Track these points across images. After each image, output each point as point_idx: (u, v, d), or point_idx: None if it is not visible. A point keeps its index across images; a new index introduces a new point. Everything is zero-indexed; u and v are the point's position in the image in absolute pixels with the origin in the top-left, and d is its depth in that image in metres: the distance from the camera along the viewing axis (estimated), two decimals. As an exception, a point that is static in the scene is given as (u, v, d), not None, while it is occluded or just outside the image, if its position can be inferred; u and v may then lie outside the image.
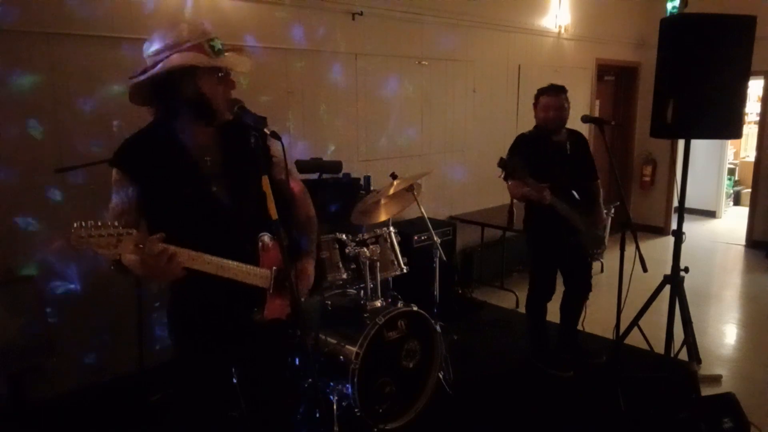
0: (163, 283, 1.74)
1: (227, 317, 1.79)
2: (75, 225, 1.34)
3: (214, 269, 1.63)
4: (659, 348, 3.50)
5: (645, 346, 3.59)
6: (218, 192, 1.74)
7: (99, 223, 1.36)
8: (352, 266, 3.00)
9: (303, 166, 3.58)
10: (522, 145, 3.35)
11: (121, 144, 1.70)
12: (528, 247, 3.58)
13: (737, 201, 8.91)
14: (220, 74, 1.66)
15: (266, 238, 1.78)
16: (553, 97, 3.28)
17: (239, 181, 1.77)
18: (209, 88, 1.64)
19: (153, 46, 1.61)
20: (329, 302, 3.06)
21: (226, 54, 1.69)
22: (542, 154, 3.28)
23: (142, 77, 1.61)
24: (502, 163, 3.05)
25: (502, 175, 3.16)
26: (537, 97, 3.36)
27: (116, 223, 1.39)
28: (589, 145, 3.66)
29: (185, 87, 1.62)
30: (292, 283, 1.67)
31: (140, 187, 1.65)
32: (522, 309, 3.83)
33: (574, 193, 3.35)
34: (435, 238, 3.28)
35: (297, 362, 2.80)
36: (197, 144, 1.73)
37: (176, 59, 1.58)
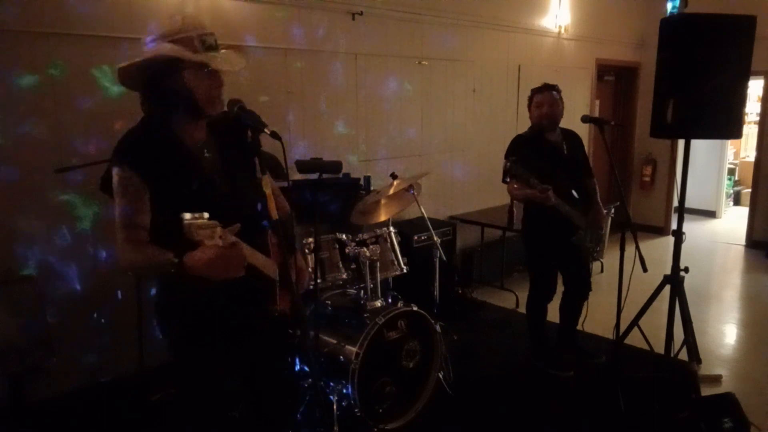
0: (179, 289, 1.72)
1: (228, 318, 1.79)
2: (188, 216, 1.39)
3: (261, 262, 1.69)
4: (659, 348, 3.50)
5: (645, 346, 3.59)
6: (223, 187, 1.75)
7: (196, 215, 1.40)
8: (352, 266, 3.00)
9: (303, 166, 3.57)
10: (520, 146, 3.35)
11: (121, 142, 1.67)
12: (525, 247, 3.58)
13: (737, 201, 8.91)
14: (206, 69, 1.65)
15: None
16: (544, 93, 3.32)
17: (239, 177, 1.79)
18: (194, 82, 1.64)
19: (149, 36, 1.64)
20: (329, 302, 3.06)
21: (222, 51, 1.70)
22: (540, 154, 3.28)
23: (127, 62, 1.64)
24: (507, 169, 3.08)
25: (507, 178, 3.18)
26: (530, 97, 3.40)
27: (204, 215, 1.42)
28: (588, 144, 3.67)
29: (170, 78, 1.63)
30: (291, 279, 1.68)
31: (150, 184, 1.63)
32: (522, 309, 3.83)
33: (574, 192, 3.36)
34: (435, 238, 3.28)
35: (297, 362, 2.80)
36: (194, 140, 1.74)
37: (162, 49, 1.60)
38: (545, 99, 3.30)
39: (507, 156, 3.34)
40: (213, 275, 1.53)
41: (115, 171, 1.64)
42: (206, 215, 1.42)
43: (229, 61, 1.68)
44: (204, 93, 1.66)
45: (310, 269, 2.81)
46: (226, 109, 1.74)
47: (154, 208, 1.65)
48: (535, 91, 3.37)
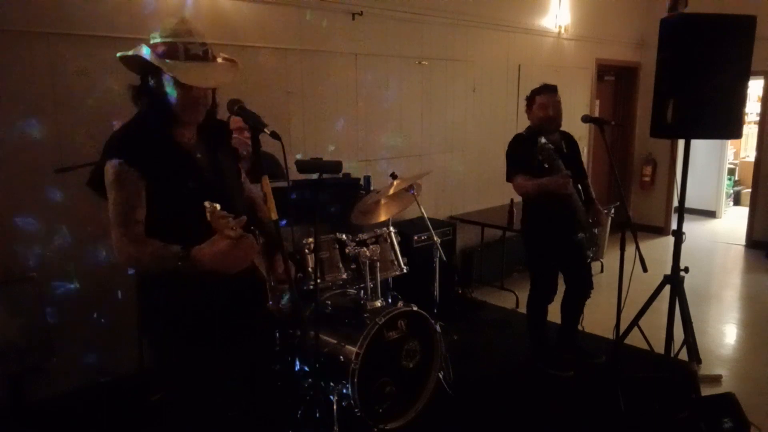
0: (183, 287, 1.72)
1: (227, 318, 1.79)
2: (208, 205, 1.41)
3: (257, 261, 1.72)
4: (659, 348, 3.50)
5: (645, 346, 3.59)
6: (217, 187, 1.75)
7: (215, 204, 1.43)
8: (352, 266, 3.00)
9: (303, 165, 3.57)
10: (520, 145, 3.35)
11: (117, 137, 1.66)
12: (525, 247, 3.58)
13: (737, 201, 8.91)
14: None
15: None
16: (549, 95, 3.29)
17: (228, 178, 1.81)
18: (168, 88, 1.64)
19: (153, 32, 1.66)
20: (329, 302, 3.06)
21: (219, 61, 1.70)
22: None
23: (122, 53, 1.67)
24: (540, 146, 3.03)
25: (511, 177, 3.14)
26: (531, 98, 3.37)
27: (217, 205, 1.44)
28: (588, 144, 3.67)
29: (153, 79, 1.65)
30: (290, 279, 1.69)
31: (148, 181, 1.62)
32: (522, 309, 3.83)
33: (580, 187, 3.37)
34: (435, 238, 3.28)
35: (297, 362, 2.80)
36: (185, 140, 1.74)
37: (140, 50, 1.62)
38: (549, 101, 3.28)
39: (509, 155, 3.35)
40: (222, 267, 1.52)
41: (110, 165, 1.61)
42: (218, 206, 1.44)
43: (201, 76, 1.63)
44: (178, 100, 1.65)
45: (310, 269, 2.81)
46: (227, 109, 1.75)
47: (154, 206, 1.65)
48: (536, 92, 3.34)
